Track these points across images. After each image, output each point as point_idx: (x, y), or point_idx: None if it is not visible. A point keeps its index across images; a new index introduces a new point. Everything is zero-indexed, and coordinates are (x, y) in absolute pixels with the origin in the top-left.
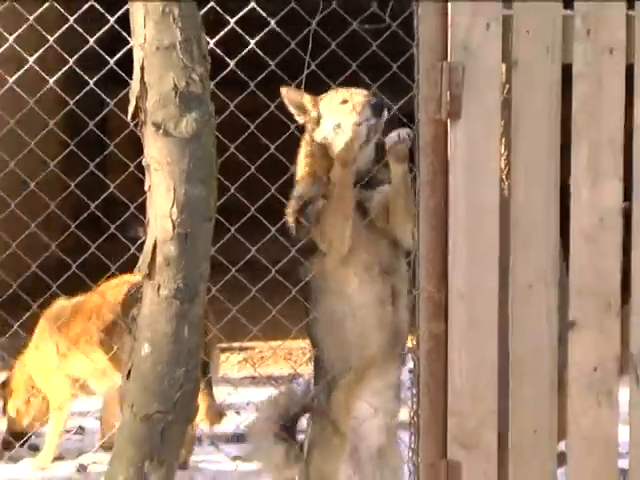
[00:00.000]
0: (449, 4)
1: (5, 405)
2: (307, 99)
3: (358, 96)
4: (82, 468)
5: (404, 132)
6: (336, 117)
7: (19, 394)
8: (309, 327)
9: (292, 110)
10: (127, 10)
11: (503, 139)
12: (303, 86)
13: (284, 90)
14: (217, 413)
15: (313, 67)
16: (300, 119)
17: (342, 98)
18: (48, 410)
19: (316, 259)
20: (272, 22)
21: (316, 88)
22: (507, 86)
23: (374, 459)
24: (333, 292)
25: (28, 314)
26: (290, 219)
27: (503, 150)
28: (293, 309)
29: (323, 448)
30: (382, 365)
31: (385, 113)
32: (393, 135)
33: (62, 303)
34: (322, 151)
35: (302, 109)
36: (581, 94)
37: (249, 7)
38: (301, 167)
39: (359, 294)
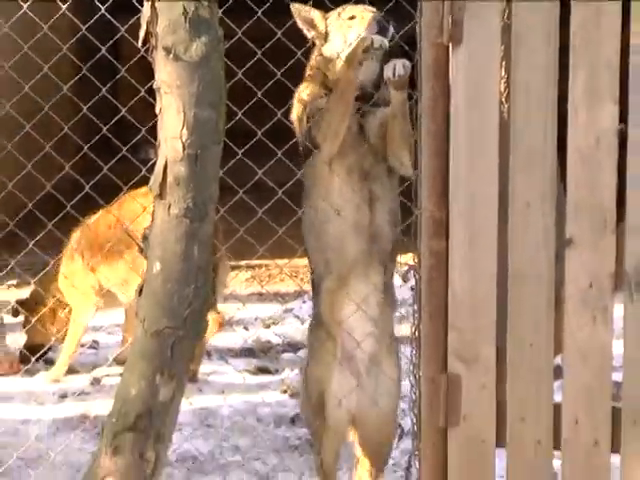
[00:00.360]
0: None
1: (26, 320)
2: (316, 14)
3: (365, 12)
4: (96, 381)
5: (400, 63)
6: (344, 32)
7: (45, 307)
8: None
9: (301, 26)
10: None
11: (503, 63)
12: None
13: (294, 6)
14: (216, 321)
15: None
16: (309, 34)
17: (350, 14)
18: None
19: (308, 160)
20: None
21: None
22: (507, 11)
23: (367, 367)
24: (318, 195)
25: (43, 233)
26: (297, 125)
27: (503, 73)
28: (299, 229)
29: (317, 352)
30: (362, 270)
31: (391, 28)
32: (391, 64)
33: (86, 221)
34: (328, 66)
35: (311, 24)
36: (580, 17)
37: None
38: (307, 75)
39: (339, 197)
